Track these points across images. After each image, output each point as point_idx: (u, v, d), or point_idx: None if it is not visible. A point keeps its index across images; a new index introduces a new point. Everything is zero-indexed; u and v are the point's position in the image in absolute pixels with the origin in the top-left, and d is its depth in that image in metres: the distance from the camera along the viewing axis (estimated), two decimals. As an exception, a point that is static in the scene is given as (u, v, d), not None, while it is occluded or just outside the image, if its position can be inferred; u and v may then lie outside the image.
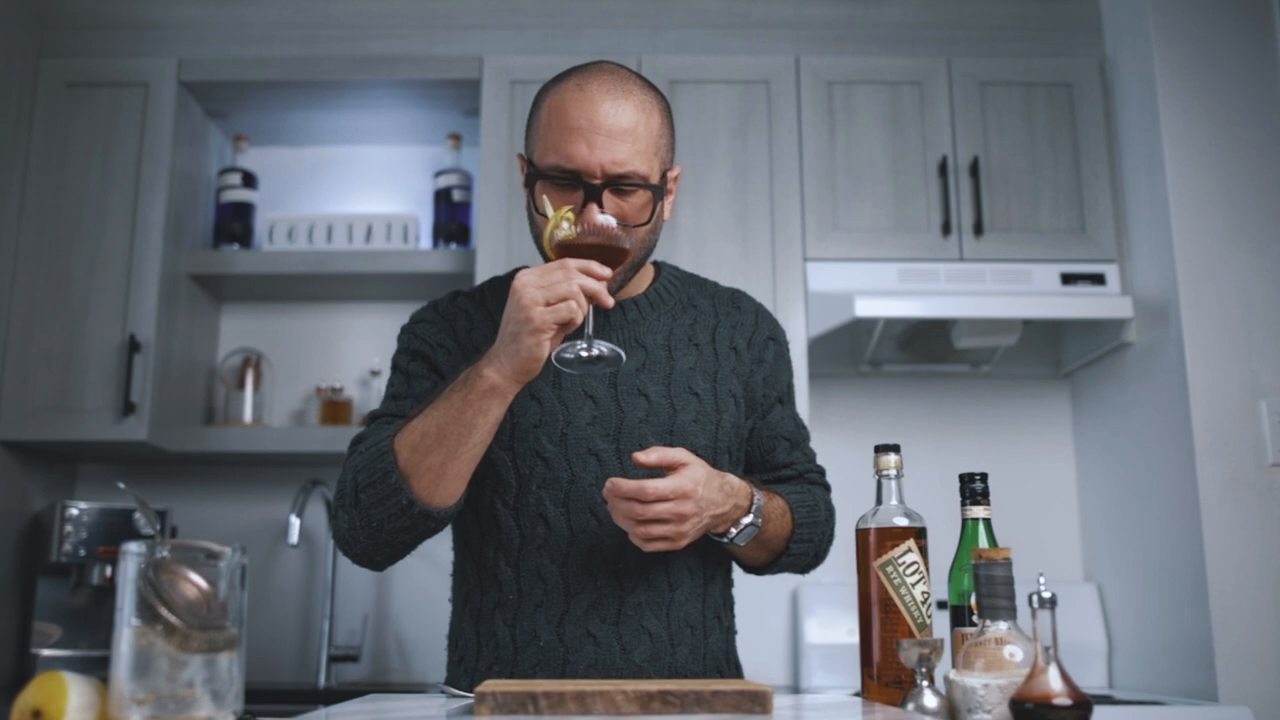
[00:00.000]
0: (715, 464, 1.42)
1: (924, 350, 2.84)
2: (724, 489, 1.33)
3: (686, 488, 1.27)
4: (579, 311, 1.22)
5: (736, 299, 1.57)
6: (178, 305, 2.72)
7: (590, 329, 1.27)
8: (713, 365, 1.49)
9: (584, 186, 1.35)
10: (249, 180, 2.94)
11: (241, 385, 2.86)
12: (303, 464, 2.83)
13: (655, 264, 1.57)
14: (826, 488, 1.57)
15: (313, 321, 3.01)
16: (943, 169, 2.64)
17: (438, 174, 2.94)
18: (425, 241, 2.94)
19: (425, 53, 2.76)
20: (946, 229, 2.62)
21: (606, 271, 1.25)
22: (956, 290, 2.57)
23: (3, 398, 2.55)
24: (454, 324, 1.50)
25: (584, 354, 1.27)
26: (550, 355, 1.27)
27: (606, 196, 1.35)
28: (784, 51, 2.74)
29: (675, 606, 1.43)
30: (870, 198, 2.65)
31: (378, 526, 1.33)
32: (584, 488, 1.40)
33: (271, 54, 2.75)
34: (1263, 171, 2.43)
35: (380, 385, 2.91)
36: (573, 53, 2.71)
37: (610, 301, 1.25)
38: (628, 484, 1.27)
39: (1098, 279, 2.59)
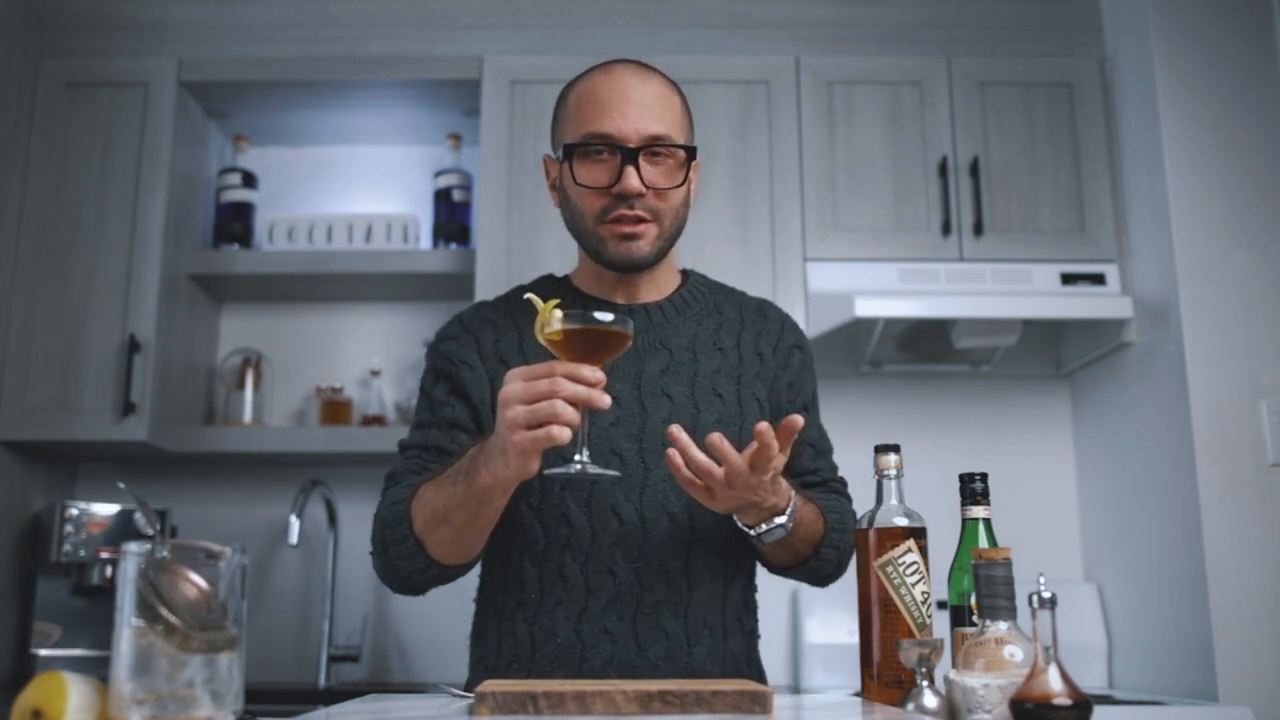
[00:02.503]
0: None
1: (924, 350, 2.84)
2: (774, 484, 1.31)
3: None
4: (562, 435, 1.17)
5: (763, 308, 1.59)
6: (178, 305, 2.72)
7: (584, 437, 1.23)
8: (737, 369, 1.50)
9: (620, 152, 1.39)
10: (249, 180, 2.94)
11: (241, 385, 2.86)
12: (303, 464, 2.83)
13: (684, 271, 1.60)
14: (849, 499, 1.57)
15: (313, 321, 3.01)
16: (943, 169, 2.64)
17: (438, 174, 2.94)
18: (425, 241, 2.94)
19: (425, 53, 2.76)
20: (946, 229, 2.62)
21: (598, 375, 1.18)
22: (956, 290, 2.57)
23: (3, 398, 2.55)
24: (479, 337, 1.51)
25: (575, 470, 1.23)
26: (542, 469, 1.24)
27: (641, 162, 1.40)
28: (784, 51, 2.74)
29: (694, 607, 1.43)
30: (870, 198, 2.65)
31: (405, 575, 1.42)
32: (605, 487, 1.41)
33: (271, 54, 2.75)
34: (1263, 171, 2.43)
35: (380, 386, 2.91)
36: (573, 52, 2.72)
37: (606, 402, 1.19)
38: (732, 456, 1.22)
39: (1098, 279, 2.59)
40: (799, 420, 1.24)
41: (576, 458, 1.23)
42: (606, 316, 1.22)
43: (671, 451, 1.24)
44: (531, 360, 1.39)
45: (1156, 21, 2.51)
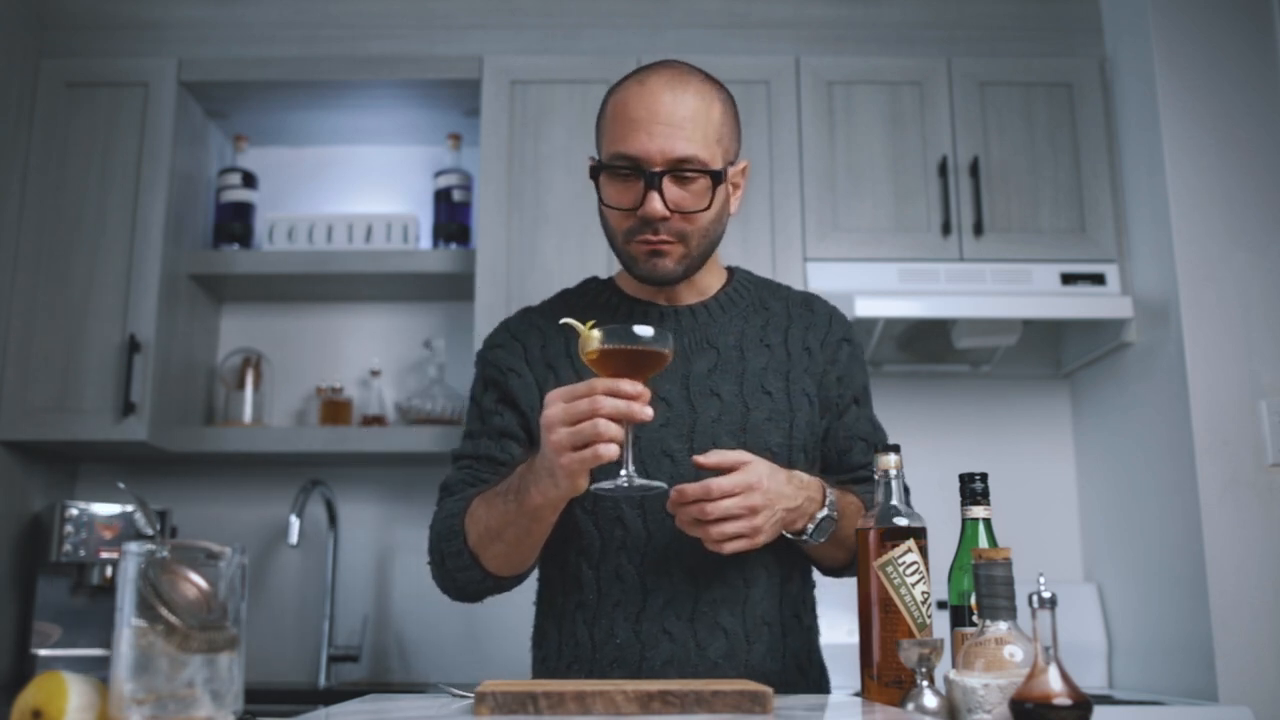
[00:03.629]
0: (790, 462, 1.42)
1: (924, 350, 2.84)
2: (792, 481, 1.33)
3: (751, 480, 1.27)
4: (609, 453, 1.18)
5: (809, 302, 1.58)
6: (178, 305, 2.72)
7: (629, 451, 1.22)
8: (785, 365, 1.49)
9: (644, 175, 1.37)
10: (249, 180, 2.94)
11: (241, 385, 2.86)
12: (303, 464, 2.83)
13: (730, 269, 1.59)
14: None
15: (313, 321, 3.01)
16: (943, 169, 2.64)
17: (438, 174, 2.93)
18: (425, 241, 2.94)
19: (425, 53, 2.76)
20: (946, 229, 2.62)
21: (638, 388, 1.19)
22: (956, 290, 2.57)
23: (3, 398, 2.55)
24: (526, 343, 1.51)
25: (623, 485, 1.23)
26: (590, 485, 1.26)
27: (666, 184, 1.38)
28: (784, 51, 2.74)
29: (751, 604, 1.44)
30: (870, 198, 2.65)
31: (463, 585, 1.44)
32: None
33: (271, 54, 2.75)
34: (1263, 171, 2.43)
35: (380, 386, 2.91)
36: (573, 53, 2.72)
37: (648, 415, 1.19)
38: (692, 487, 1.27)
39: (1098, 279, 2.59)
40: (700, 460, 1.30)
41: (622, 473, 1.23)
42: (646, 333, 1.21)
43: (698, 532, 1.29)
44: (579, 367, 1.38)
45: (1156, 21, 2.51)
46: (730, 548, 1.29)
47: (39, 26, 2.73)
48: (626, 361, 1.21)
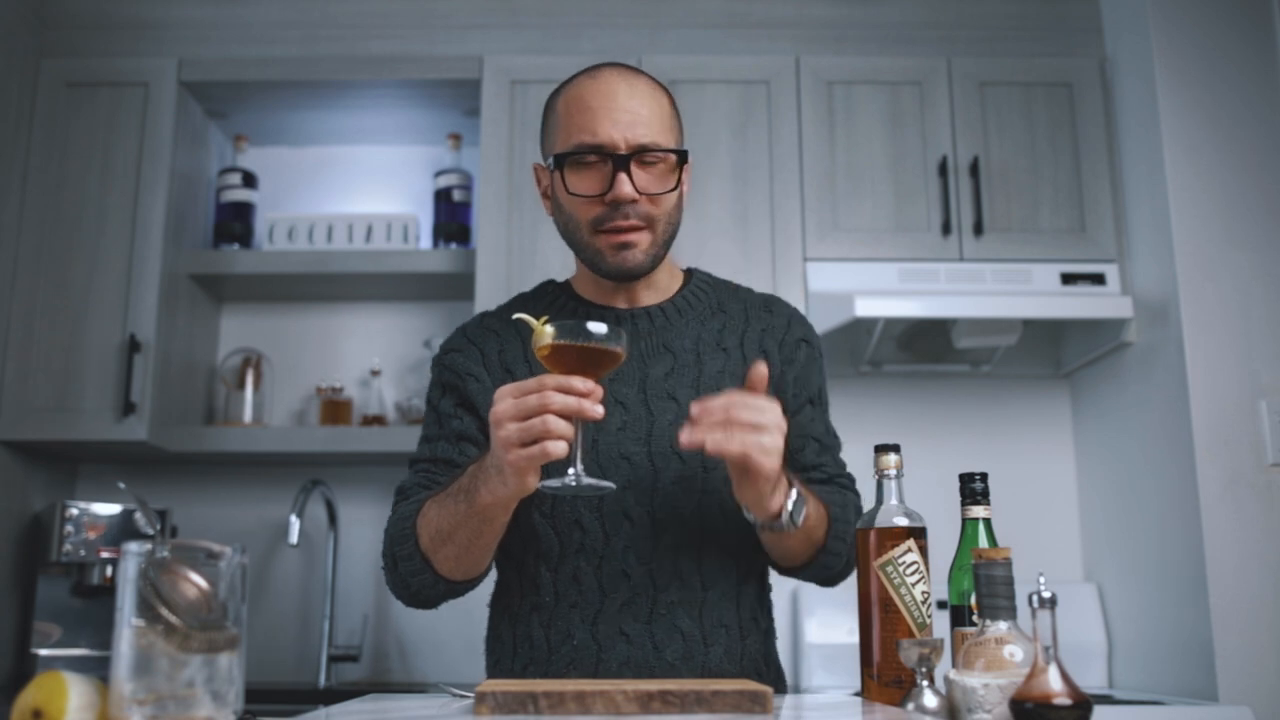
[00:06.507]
0: None
1: (924, 350, 2.84)
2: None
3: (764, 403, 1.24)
4: (557, 450, 1.16)
5: (770, 304, 1.57)
6: (178, 305, 2.72)
7: (579, 450, 1.21)
8: (741, 369, 1.48)
9: (611, 159, 1.38)
10: (249, 180, 2.94)
11: (241, 385, 2.86)
12: (303, 464, 2.83)
13: (687, 271, 1.58)
14: (857, 494, 1.54)
15: (313, 321, 3.01)
16: (943, 169, 2.64)
17: (438, 174, 2.94)
18: (425, 241, 2.94)
19: (425, 53, 2.76)
20: (946, 229, 2.62)
21: (589, 385, 1.18)
22: (956, 290, 2.57)
23: (3, 398, 2.55)
24: (483, 348, 1.51)
25: (570, 484, 1.21)
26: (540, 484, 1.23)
27: (632, 169, 1.38)
28: (784, 51, 2.74)
29: (709, 606, 1.43)
30: (870, 198, 2.65)
31: (416, 590, 1.42)
32: (617, 492, 1.39)
33: (271, 54, 2.75)
34: (1263, 171, 2.43)
35: (380, 386, 2.91)
36: (573, 53, 2.72)
37: (598, 413, 1.17)
38: (715, 399, 1.22)
39: (1098, 279, 2.59)
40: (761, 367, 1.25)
41: (570, 471, 1.22)
42: (599, 329, 1.20)
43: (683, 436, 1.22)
44: (537, 370, 1.37)
45: (1156, 21, 2.51)
46: (761, 460, 1.21)
47: (39, 26, 2.73)
48: (579, 358, 1.20)
